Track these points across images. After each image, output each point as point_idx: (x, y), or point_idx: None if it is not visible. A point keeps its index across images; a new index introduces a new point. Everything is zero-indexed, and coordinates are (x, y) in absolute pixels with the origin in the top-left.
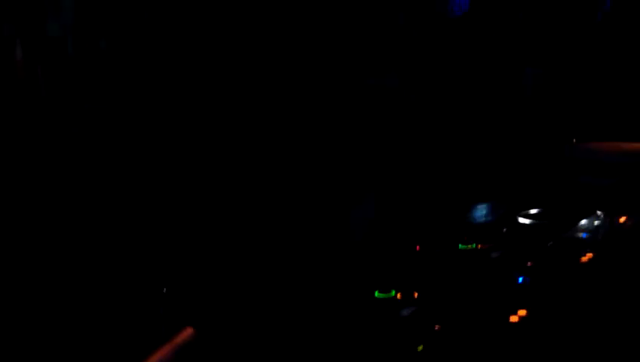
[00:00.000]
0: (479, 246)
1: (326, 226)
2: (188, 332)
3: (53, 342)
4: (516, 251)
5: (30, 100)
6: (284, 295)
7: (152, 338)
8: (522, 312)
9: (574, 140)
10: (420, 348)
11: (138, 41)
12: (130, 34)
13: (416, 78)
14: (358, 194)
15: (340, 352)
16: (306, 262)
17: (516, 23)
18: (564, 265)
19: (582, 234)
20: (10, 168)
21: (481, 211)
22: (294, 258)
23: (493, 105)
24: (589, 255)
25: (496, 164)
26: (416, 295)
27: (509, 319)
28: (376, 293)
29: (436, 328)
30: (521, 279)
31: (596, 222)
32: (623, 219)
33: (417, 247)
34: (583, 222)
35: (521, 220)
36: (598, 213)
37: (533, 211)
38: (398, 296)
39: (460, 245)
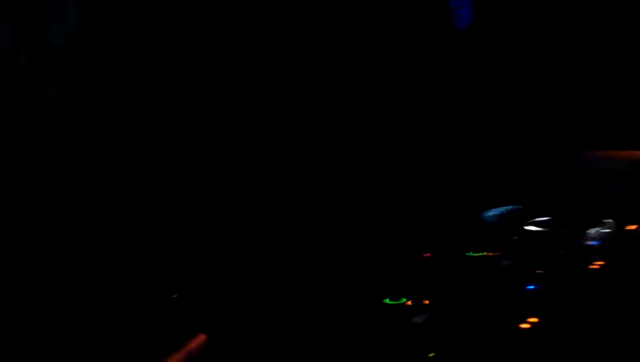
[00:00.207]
0: (489, 253)
1: (337, 232)
2: (200, 338)
3: (66, 348)
4: (525, 259)
5: (35, 109)
6: (295, 301)
7: (164, 345)
8: (532, 320)
9: (582, 148)
10: (432, 355)
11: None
12: (134, 43)
13: (426, 88)
14: (369, 203)
15: (351, 359)
16: (316, 269)
17: (521, 33)
18: (574, 273)
19: (591, 242)
20: (16, 176)
21: (490, 219)
22: (305, 264)
23: (502, 113)
24: (599, 263)
25: (505, 172)
26: (426, 302)
27: (519, 326)
28: (386, 300)
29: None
30: (530, 287)
31: (605, 230)
32: (632, 227)
33: (427, 254)
34: (592, 230)
35: (530, 228)
36: (608, 221)
37: (542, 219)
38: (408, 303)
39: (469, 253)
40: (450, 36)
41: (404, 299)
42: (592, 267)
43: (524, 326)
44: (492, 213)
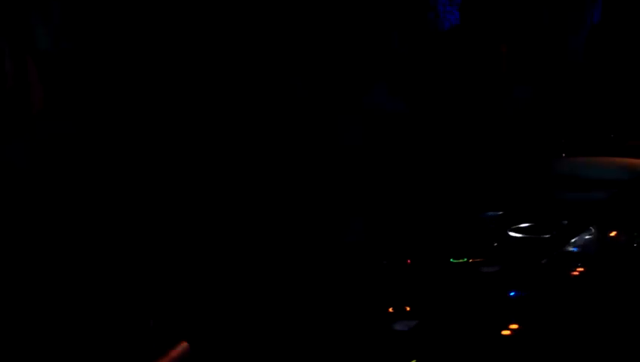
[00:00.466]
0: (470, 260)
1: (319, 237)
2: (182, 346)
3: (40, 356)
4: (507, 265)
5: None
6: (278, 308)
7: (145, 354)
8: (514, 326)
9: (563, 155)
10: (413, 361)
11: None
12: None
13: (411, 94)
14: (350, 207)
15: None
16: (298, 276)
17: (505, 38)
18: (556, 280)
19: (574, 249)
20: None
21: (472, 225)
22: (288, 269)
23: (483, 120)
24: (581, 269)
25: (486, 179)
26: (408, 309)
27: (500, 333)
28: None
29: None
30: (512, 293)
31: (588, 237)
32: (614, 234)
33: (408, 261)
34: (575, 236)
35: (513, 234)
36: (590, 227)
37: (524, 225)
38: (390, 309)
39: (451, 259)
40: (436, 38)
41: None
42: (574, 273)
43: (505, 332)
44: (474, 219)
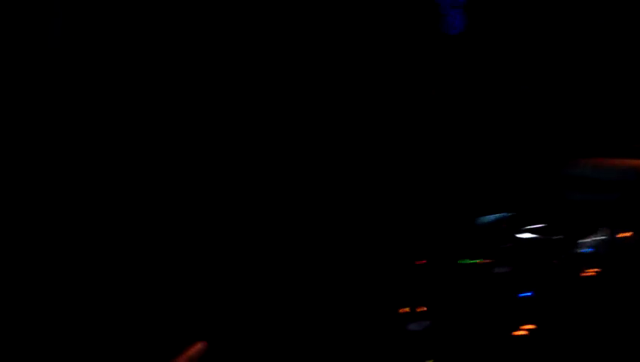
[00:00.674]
0: (482, 261)
1: (330, 240)
2: (199, 346)
3: (60, 351)
4: (518, 266)
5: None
6: (294, 309)
7: (163, 352)
8: (526, 327)
9: (575, 156)
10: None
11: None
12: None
13: (419, 94)
14: (361, 208)
15: None
16: (312, 276)
17: (514, 39)
18: (567, 281)
19: (584, 250)
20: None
21: (483, 226)
22: (303, 269)
23: (495, 120)
24: (592, 270)
25: (497, 180)
26: (420, 309)
27: (512, 334)
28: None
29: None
30: (523, 294)
31: (598, 238)
32: (625, 235)
33: (421, 262)
34: (586, 237)
35: (524, 235)
36: (601, 228)
37: (535, 226)
38: (404, 310)
39: (463, 260)
40: (443, 42)
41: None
42: (585, 274)
43: (517, 333)
44: (485, 220)
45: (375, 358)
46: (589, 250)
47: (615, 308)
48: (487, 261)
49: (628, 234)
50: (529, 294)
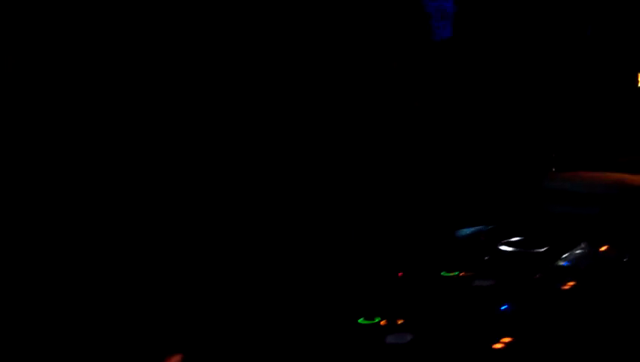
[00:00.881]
0: (461, 273)
1: (310, 250)
2: (177, 359)
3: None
4: (498, 279)
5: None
6: (272, 320)
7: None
8: (505, 340)
9: (553, 170)
10: None
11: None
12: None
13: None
14: (341, 219)
15: None
16: (289, 288)
17: (499, 49)
18: (547, 294)
19: (564, 263)
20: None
21: (463, 238)
22: (280, 282)
23: (475, 131)
24: (571, 283)
25: (477, 193)
26: (400, 322)
27: (492, 347)
28: (360, 320)
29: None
30: (503, 307)
31: (579, 251)
32: (605, 248)
33: (400, 273)
34: (566, 251)
35: (504, 248)
36: (581, 242)
37: (515, 239)
38: (382, 322)
39: (442, 272)
40: (430, 50)
41: (378, 319)
42: (565, 288)
43: (497, 346)
44: (464, 232)
45: None
46: (570, 263)
47: (595, 322)
48: (467, 273)
49: (609, 247)
50: (508, 307)
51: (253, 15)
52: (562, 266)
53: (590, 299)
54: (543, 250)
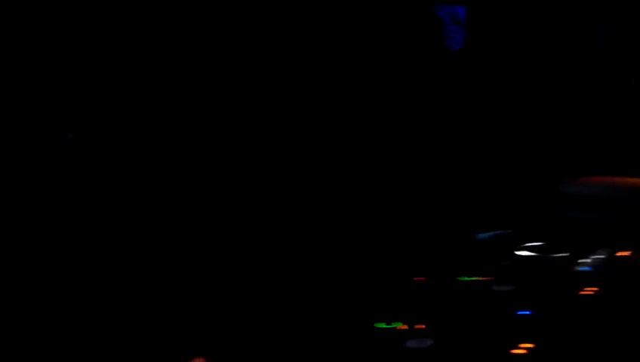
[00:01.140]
0: (481, 278)
1: (328, 255)
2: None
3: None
4: (517, 284)
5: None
6: (292, 325)
7: None
8: (524, 345)
9: (575, 175)
10: None
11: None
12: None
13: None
14: (360, 225)
15: None
16: (308, 293)
17: (512, 57)
18: (566, 299)
19: (583, 268)
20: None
21: (482, 243)
22: (300, 286)
23: (495, 139)
24: (591, 289)
25: (495, 198)
26: (419, 326)
27: (510, 352)
28: (379, 324)
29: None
30: (522, 312)
31: (597, 257)
32: (624, 254)
33: (419, 278)
34: (585, 256)
35: (522, 253)
36: (600, 247)
37: (534, 244)
38: (401, 327)
39: (461, 277)
40: (445, 58)
41: (397, 324)
42: (584, 293)
43: (515, 351)
44: (483, 236)
45: None
46: (589, 268)
47: (614, 327)
48: (486, 278)
49: (627, 253)
50: (528, 312)
51: (279, 24)
52: (581, 271)
53: (610, 304)
54: (561, 255)
